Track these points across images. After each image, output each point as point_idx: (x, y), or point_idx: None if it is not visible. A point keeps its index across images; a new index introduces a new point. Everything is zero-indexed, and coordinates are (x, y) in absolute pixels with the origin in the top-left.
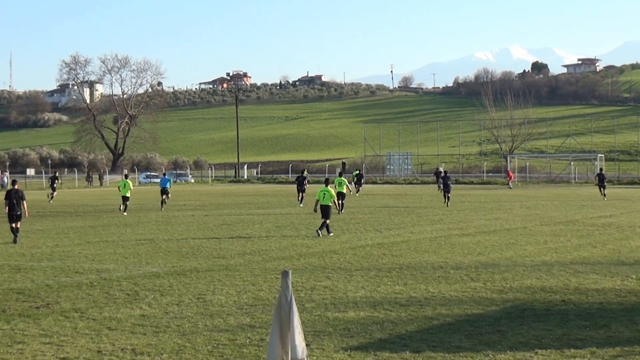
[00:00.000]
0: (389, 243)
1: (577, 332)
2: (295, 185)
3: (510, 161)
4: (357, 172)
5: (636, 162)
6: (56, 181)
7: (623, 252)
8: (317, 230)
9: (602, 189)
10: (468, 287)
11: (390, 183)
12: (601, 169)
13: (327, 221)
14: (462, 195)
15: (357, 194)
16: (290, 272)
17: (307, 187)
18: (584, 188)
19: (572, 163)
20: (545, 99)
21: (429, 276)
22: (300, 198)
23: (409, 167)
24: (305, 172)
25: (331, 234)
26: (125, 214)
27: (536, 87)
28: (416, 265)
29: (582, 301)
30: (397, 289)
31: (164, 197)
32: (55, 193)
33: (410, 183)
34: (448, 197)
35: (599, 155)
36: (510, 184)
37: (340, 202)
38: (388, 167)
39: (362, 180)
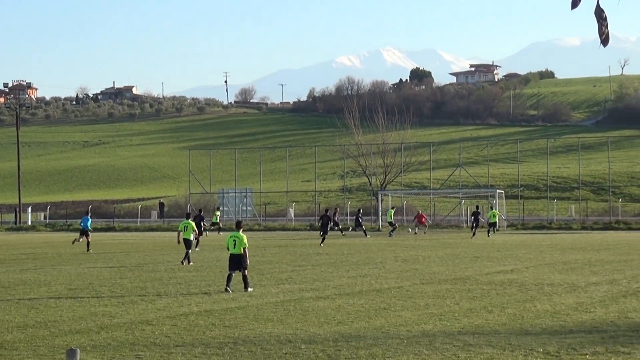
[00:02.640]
0: (220, 310)
1: None
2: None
3: (382, 199)
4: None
5: (545, 199)
6: None
7: (527, 319)
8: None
9: (474, 226)
10: None
11: (225, 230)
12: (477, 207)
13: (245, 272)
14: (319, 246)
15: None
16: (78, 351)
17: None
18: (479, 234)
19: (462, 201)
20: (428, 117)
21: (273, 353)
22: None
23: (249, 207)
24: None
25: (250, 289)
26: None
27: (417, 102)
28: (256, 339)
29: None
30: None
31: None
32: None
33: (251, 229)
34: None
35: (498, 191)
36: (417, 229)
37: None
38: (221, 208)
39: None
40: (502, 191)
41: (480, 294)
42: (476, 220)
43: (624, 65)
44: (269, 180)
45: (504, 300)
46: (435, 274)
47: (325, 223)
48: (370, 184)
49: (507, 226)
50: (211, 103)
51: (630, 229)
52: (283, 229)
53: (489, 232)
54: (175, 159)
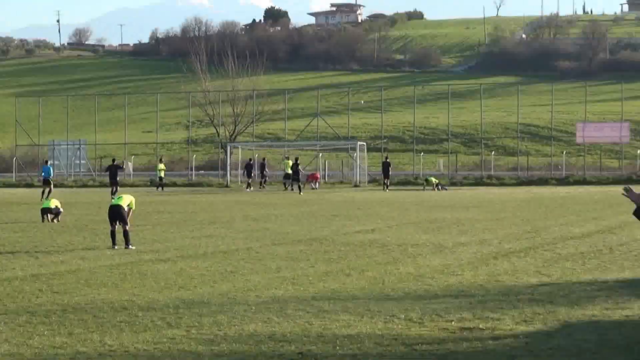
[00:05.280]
0: (48, 274)
1: None
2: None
3: (231, 152)
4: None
5: (411, 152)
6: None
7: (388, 282)
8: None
9: (385, 181)
10: (164, 337)
11: (57, 186)
12: (387, 157)
13: (127, 227)
14: (158, 203)
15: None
16: None
17: None
18: (338, 191)
19: (320, 155)
20: (284, 61)
21: (107, 321)
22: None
23: (83, 161)
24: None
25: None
26: None
27: (271, 45)
28: (88, 306)
29: (327, 353)
30: (59, 342)
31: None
32: None
33: (85, 186)
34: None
35: (360, 143)
36: (313, 184)
37: None
38: (50, 162)
39: None
40: (364, 143)
41: (338, 255)
42: (386, 172)
43: (500, 6)
44: (106, 130)
45: (363, 263)
46: (289, 234)
47: (295, 171)
48: (219, 135)
49: (369, 182)
50: (41, 45)
51: (503, 184)
52: (121, 184)
53: (435, 188)
54: (0, 107)
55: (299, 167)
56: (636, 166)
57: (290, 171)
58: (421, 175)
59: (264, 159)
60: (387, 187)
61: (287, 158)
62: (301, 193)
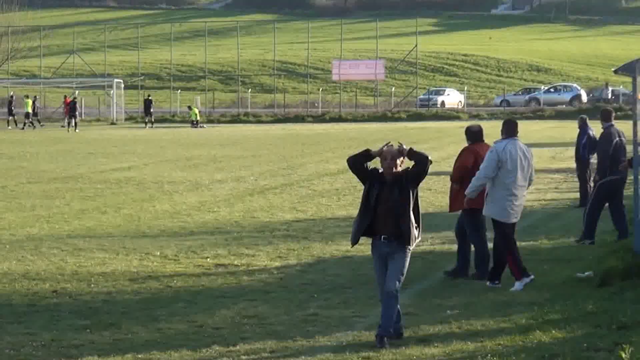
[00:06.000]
0: None
1: (72, 336)
2: None
3: None
4: None
5: (168, 90)
6: None
7: (144, 220)
8: None
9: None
10: None
11: None
12: (149, 95)
13: None
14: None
15: None
16: None
17: None
18: (95, 129)
19: (77, 92)
20: None
21: None
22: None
23: None
24: None
25: None
26: None
27: None
28: None
29: (81, 291)
30: None
31: None
32: None
33: None
34: None
35: (116, 80)
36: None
37: None
38: None
39: None
40: (121, 80)
41: (94, 193)
42: (147, 110)
43: None
44: None
45: (119, 200)
46: (44, 172)
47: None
48: None
49: (126, 119)
50: None
51: (260, 121)
52: None
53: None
54: None
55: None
56: (391, 103)
57: (30, 110)
58: (178, 113)
59: (35, 98)
60: (151, 124)
61: (27, 97)
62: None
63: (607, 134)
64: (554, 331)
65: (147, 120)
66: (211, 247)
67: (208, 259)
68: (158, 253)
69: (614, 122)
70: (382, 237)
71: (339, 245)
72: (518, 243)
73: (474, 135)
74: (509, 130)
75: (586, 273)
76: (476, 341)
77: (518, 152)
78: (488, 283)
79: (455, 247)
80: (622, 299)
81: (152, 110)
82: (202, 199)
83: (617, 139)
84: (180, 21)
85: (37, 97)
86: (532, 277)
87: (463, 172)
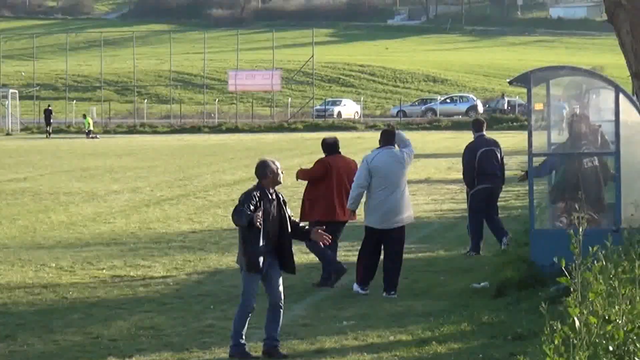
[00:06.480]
0: None
1: None
2: None
3: None
4: None
5: (64, 100)
6: None
7: (40, 231)
8: None
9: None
10: None
11: None
12: (49, 105)
13: None
14: None
15: None
16: None
17: None
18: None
19: None
20: None
21: None
22: None
23: None
24: None
25: None
26: None
27: None
28: None
29: None
30: None
31: None
32: None
33: None
34: None
35: (11, 91)
36: None
37: None
38: None
39: None
40: (16, 91)
41: None
42: (48, 120)
43: None
44: None
45: (15, 211)
46: None
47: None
48: None
49: (22, 130)
50: None
51: (156, 132)
52: None
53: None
54: None
55: None
56: (287, 114)
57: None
58: (74, 123)
59: None
60: (48, 135)
61: None
62: None
63: (471, 146)
64: (450, 342)
65: (47, 130)
66: (107, 259)
67: (104, 270)
68: (54, 264)
69: (485, 132)
70: None
71: (235, 256)
72: (414, 255)
73: (329, 148)
74: (386, 140)
75: (482, 284)
76: (372, 352)
77: (391, 159)
78: (384, 294)
79: (352, 258)
80: (518, 310)
81: (51, 120)
82: (98, 210)
83: (484, 148)
84: (76, 31)
85: None
86: (367, 293)
87: (307, 177)
